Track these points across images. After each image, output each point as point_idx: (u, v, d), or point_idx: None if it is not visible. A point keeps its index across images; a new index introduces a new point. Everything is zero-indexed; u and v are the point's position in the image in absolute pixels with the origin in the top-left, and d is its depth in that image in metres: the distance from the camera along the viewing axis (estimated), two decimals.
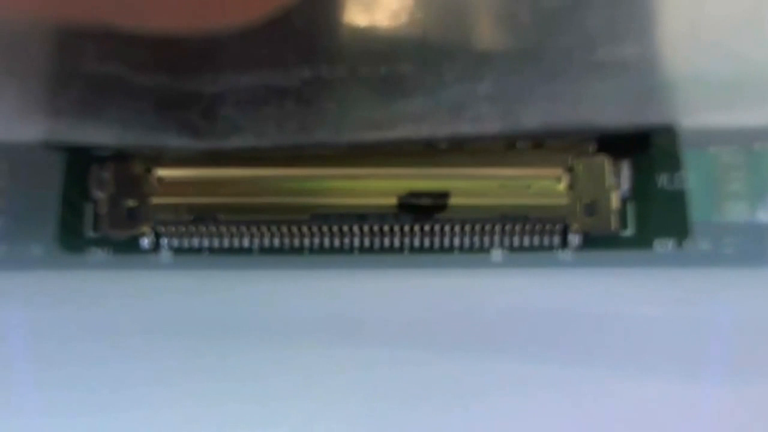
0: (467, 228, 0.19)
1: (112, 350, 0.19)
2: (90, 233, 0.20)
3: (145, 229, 0.19)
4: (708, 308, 0.19)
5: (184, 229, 0.19)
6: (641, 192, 0.19)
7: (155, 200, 0.19)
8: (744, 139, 0.20)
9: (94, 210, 0.20)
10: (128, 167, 0.19)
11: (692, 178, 0.19)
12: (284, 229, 0.19)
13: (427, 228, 0.19)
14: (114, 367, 0.19)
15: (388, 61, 0.17)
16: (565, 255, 0.20)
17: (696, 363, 0.19)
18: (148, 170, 0.19)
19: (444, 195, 0.19)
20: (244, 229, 0.19)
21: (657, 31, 0.17)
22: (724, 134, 0.19)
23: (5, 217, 0.20)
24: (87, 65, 0.17)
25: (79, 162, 0.20)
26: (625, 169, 0.19)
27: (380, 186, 0.19)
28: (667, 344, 0.19)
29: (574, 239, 0.19)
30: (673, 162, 0.19)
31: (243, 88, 0.17)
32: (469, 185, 0.19)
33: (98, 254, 0.20)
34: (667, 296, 0.19)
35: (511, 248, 0.20)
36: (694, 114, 0.18)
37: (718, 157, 0.20)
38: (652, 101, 0.17)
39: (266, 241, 0.20)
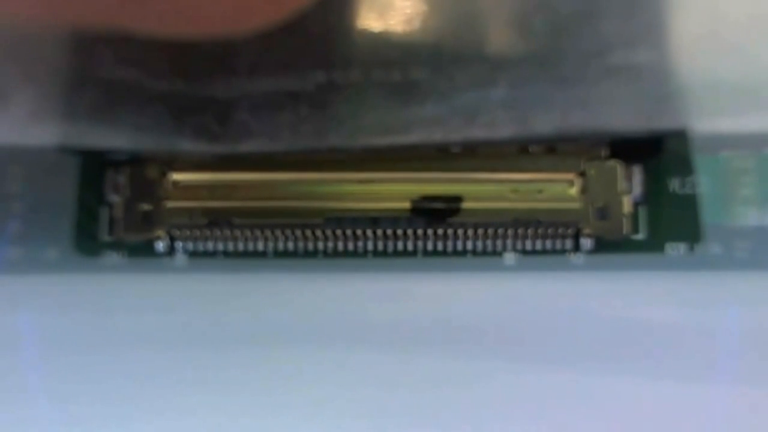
0: (480, 232, 0.19)
1: (127, 354, 0.19)
2: (105, 237, 0.20)
3: (160, 232, 0.19)
4: (719, 312, 0.19)
5: (198, 232, 0.19)
6: (653, 196, 0.19)
7: (170, 204, 0.19)
8: (755, 143, 0.20)
9: (110, 214, 0.20)
10: (143, 171, 0.19)
11: (703, 183, 0.19)
12: (298, 232, 0.19)
13: (440, 232, 0.19)
14: (128, 371, 0.19)
15: (402, 66, 0.17)
16: (578, 259, 0.20)
17: (707, 367, 0.19)
18: (163, 174, 0.19)
19: (457, 199, 0.19)
20: (258, 232, 0.19)
21: (671, 37, 0.17)
22: (735, 139, 0.19)
23: (21, 221, 0.20)
24: (103, 70, 0.17)
25: (94, 166, 0.20)
26: (637, 174, 0.19)
27: (394, 190, 0.19)
28: (678, 348, 0.19)
29: (587, 243, 0.19)
30: (684, 166, 0.19)
31: (258, 93, 0.17)
32: (481, 189, 0.19)
33: (113, 258, 0.20)
34: (678, 300, 0.19)
35: (524, 252, 0.19)
36: (707, 119, 0.18)
37: (730, 162, 0.20)
38: (666, 106, 0.17)
39: (280, 245, 0.20)
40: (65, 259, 0.20)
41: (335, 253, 0.20)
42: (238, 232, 0.19)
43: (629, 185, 0.19)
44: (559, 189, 0.19)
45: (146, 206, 0.19)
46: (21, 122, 0.17)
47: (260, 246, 0.20)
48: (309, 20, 0.16)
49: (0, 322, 0.20)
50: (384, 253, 0.20)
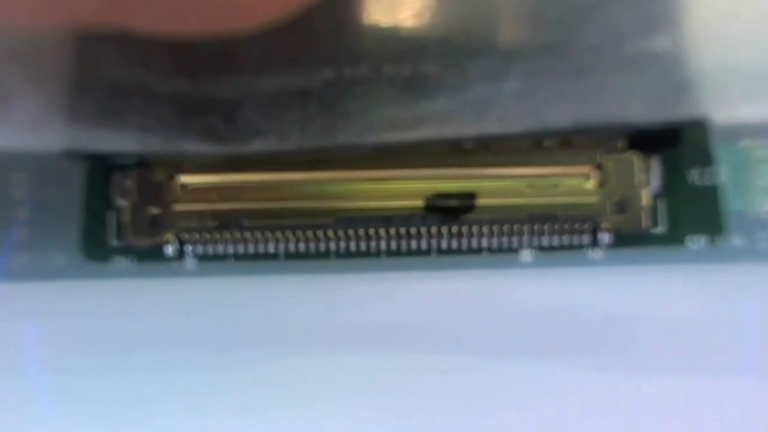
0: (495, 229, 0.19)
1: (137, 359, 0.19)
2: (113, 242, 0.20)
3: (169, 236, 0.19)
4: (742, 304, 0.19)
5: (208, 235, 0.19)
6: (672, 188, 0.19)
7: (178, 207, 0.19)
8: None
9: (117, 218, 0.20)
10: (151, 174, 0.19)
11: (724, 173, 0.19)
12: (309, 233, 0.19)
13: (454, 229, 0.19)
14: (139, 377, 0.19)
15: (412, 60, 0.16)
16: (596, 254, 0.19)
17: (730, 361, 0.19)
18: (171, 177, 0.19)
19: (471, 196, 0.19)
20: (268, 234, 0.19)
21: (687, 23, 0.16)
22: (756, 127, 0.19)
23: (28, 228, 0.20)
24: (107, 71, 0.17)
25: (100, 170, 0.20)
26: (655, 166, 0.19)
27: (406, 188, 0.19)
28: (701, 342, 0.19)
29: (605, 238, 0.19)
30: (703, 157, 0.19)
31: (265, 91, 0.17)
32: (496, 185, 0.19)
33: (122, 263, 0.20)
34: (700, 293, 0.19)
35: (541, 248, 0.19)
36: (725, 107, 0.18)
37: (750, 151, 0.19)
38: (683, 95, 0.17)
39: (291, 246, 0.19)
40: (73, 265, 0.20)
41: (347, 254, 0.19)
42: (248, 235, 0.19)
43: (647, 177, 0.19)
44: (576, 183, 0.19)
45: (154, 210, 0.19)
46: (24, 126, 0.17)
47: (271, 248, 0.19)
48: (315, 15, 0.16)
49: (8, 329, 0.20)
50: (397, 253, 0.19)
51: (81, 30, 0.16)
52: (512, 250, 0.19)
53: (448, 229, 0.19)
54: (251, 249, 0.19)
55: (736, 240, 0.19)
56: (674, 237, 0.19)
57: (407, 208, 0.19)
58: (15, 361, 0.20)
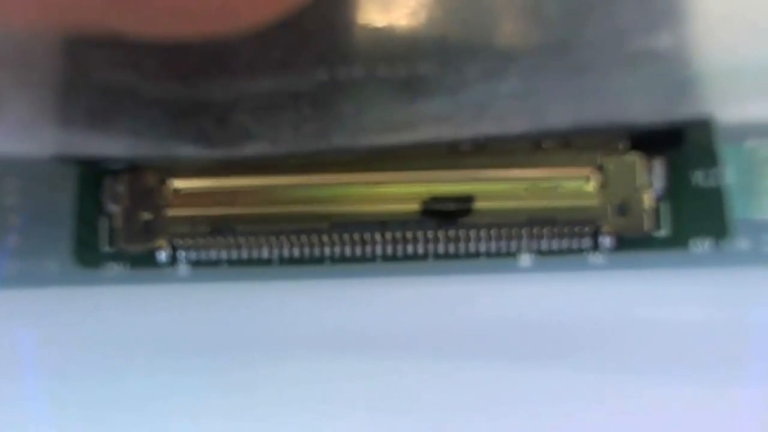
0: (493, 233, 0.19)
1: (130, 366, 0.19)
2: (106, 248, 0.20)
3: (162, 242, 0.19)
4: (748, 309, 0.19)
5: (201, 241, 0.19)
6: (675, 190, 0.19)
7: (171, 212, 0.19)
8: None
9: (109, 224, 0.20)
10: (142, 179, 0.19)
11: (729, 174, 0.19)
12: (304, 238, 0.19)
13: (451, 234, 0.19)
14: (132, 382, 0.19)
15: (407, 60, 0.16)
16: (597, 258, 0.19)
17: (736, 366, 0.19)
18: (163, 182, 0.19)
19: (468, 199, 0.19)
20: (262, 240, 0.19)
21: (691, 19, 0.16)
22: (762, 127, 0.19)
23: (19, 234, 0.20)
24: (97, 75, 0.17)
25: (92, 175, 0.20)
26: (658, 167, 0.19)
27: (402, 191, 0.19)
28: (705, 347, 0.19)
29: (606, 241, 0.19)
30: (708, 158, 0.19)
31: (257, 94, 0.17)
32: (494, 188, 0.19)
33: (114, 269, 0.20)
34: (704, 298, 0.19)
35: (540, 252, 0.19)
36: (730, 106, 0.18)
37: (756, 152, 0.19)
38: (686, 94, 0.17)
39: (285, 252, 0.19)
40: (66, 272, 0.20)
41: (342, 259, 0.19)
42: (241, 240, 0.19)
43: (650, 179, 0.19)
44: (576, 185, 0.19)
45: (147, 215, 0.19)
46: (15, 131, 0.17)
47: (265, 253, 0.19)
48: (308, 16, 0.16)
49: (1, 336, 0.20)
50: (393, 258, 0.19)
51: (71, 34, 0.16)
52: (511, 255, 0.19)
53: (445, 233, 0.19)
54: (245, 254, 0.19)
55: (742, 243, 0.19)
56: (678, 240, 0.19)
57: (403, 212, 0.19)
58: (8, 367, 0.20)
